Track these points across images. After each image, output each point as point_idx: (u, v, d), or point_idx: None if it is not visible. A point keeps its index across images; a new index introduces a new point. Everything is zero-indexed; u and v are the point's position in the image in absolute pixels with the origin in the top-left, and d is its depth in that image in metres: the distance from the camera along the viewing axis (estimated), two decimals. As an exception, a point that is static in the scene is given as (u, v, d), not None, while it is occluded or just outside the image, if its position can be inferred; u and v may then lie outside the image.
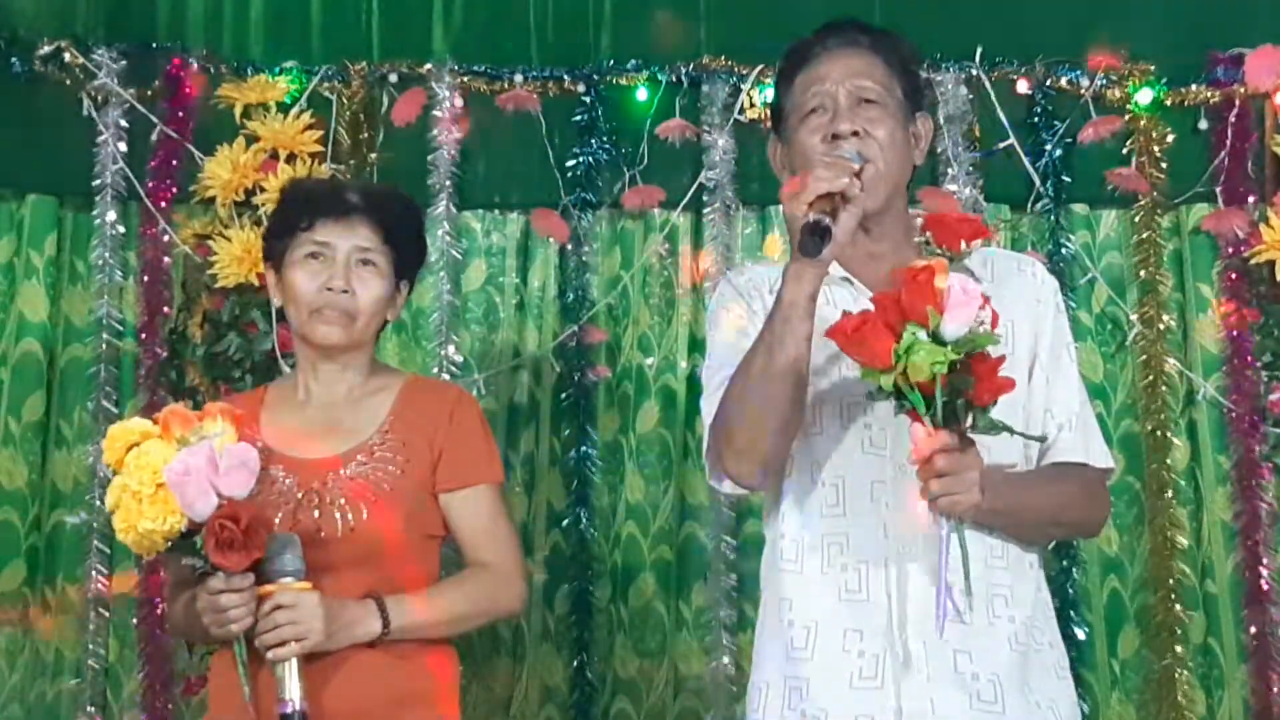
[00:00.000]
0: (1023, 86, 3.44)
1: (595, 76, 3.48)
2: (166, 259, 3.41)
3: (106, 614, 3.33)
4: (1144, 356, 3.39)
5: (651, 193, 3.44)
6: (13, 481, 3.34)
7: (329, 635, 2.21)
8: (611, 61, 3.50)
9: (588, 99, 3.47)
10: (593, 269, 3.48)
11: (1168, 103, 3.44)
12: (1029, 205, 3.43)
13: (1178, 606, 3.31)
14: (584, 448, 3.41)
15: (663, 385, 3.45)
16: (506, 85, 3.47)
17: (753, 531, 3.26)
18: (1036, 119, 3.43)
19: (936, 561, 1.87)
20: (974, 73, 3.43)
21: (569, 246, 3.46)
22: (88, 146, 3.40)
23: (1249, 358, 3.35)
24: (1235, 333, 3.36)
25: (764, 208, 3.49)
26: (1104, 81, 3.43)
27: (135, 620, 3.33)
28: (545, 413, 3.46)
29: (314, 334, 2.41)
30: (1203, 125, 3.42)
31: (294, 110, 3.42)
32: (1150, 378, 3.38)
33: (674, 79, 3.47)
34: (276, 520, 2.26)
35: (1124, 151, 3.43)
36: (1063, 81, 3.44)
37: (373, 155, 3.47)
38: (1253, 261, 3.36)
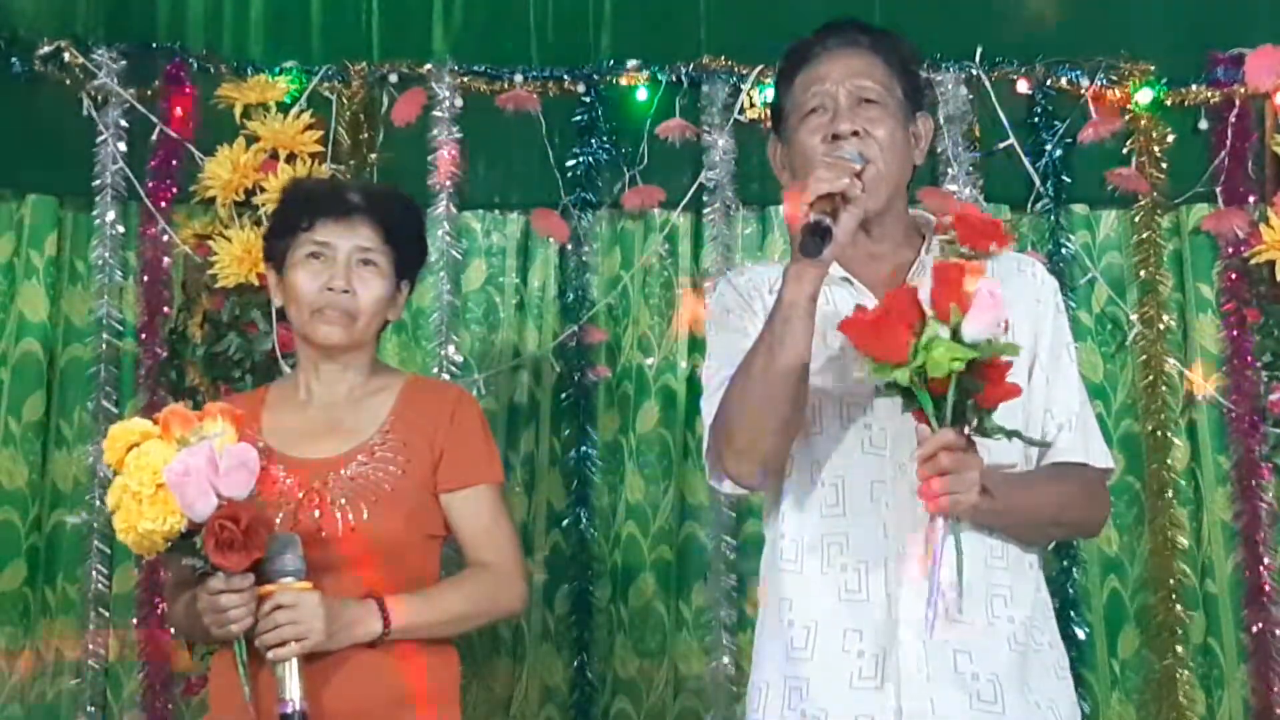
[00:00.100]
0: (1023, 86, 3.44)
1: (595, 76, 3.48)
2: (166, 259, 3.41)
3: (106, 614, 3.32)
4: (1144, 356, 3.40)
5: (651, 193, 3.44)
6: (13, 481, 3.34)
7: (329, 635, 2.21)
8: (611, 61, 3.50)
9: (588, 99, 3.47)
10: (593, 269, 3.48)
11: (1168, 103, 3.44)
12: (1029, 205, 3.43)
13: (1178, 606, 3.32)
14: (584, 448, 3.41)
15: (663, 385, 3.45)
16: (506, 85, 3.47)
17: (753, 531, 3.26)
18: (1036, 119, 3.44)
19: (929, 560, 1.86)
20: (974, 73, 3.43)
21: (569, 246, 3.46)
22: (88, 146, 3.40)
23: (1249, 358, 3.35)
24: (1235, 333, 3.36)
25: (764, 208, 3.49)
26: (1104, 81, 3.43)
27: (135, 620, 3.32)
28: (545, 413, 3.46)
29: (315, 334, 2.41)
30: (1203, 125, 3.43)
31: (294, 110, 3.42)
32: (1150, 378, 3.38)
33: (674, 79, 3.47)
34: (277, 520, 2.26)
35: (1124, 151, 3.43)
36: (1063, 81, 3.45)
37: (373, 155, 3.47)
38: (1253, 261, 3.36)
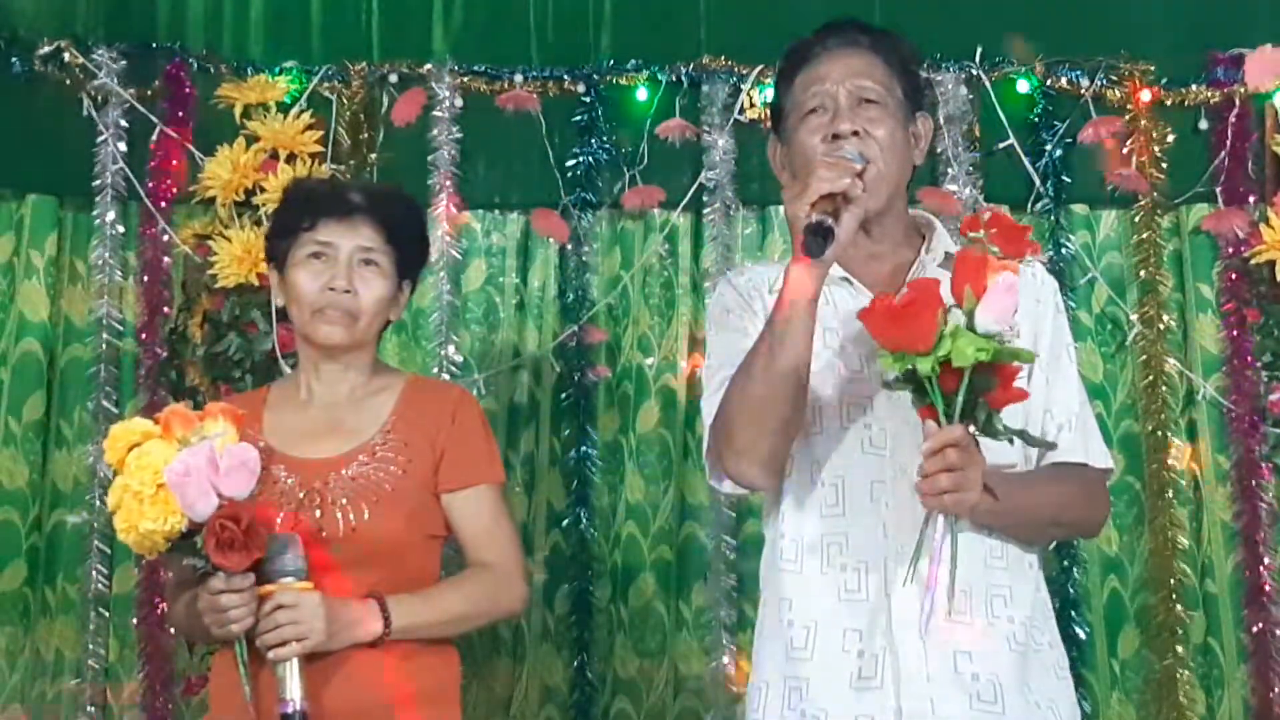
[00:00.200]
0: (1023, 86, 3.44)
1: (595, 76, 3.48)
2: (166, 259, 3.41)
3: (106, 614, 3.33)
4: (1144, 356, 3.40)
5: (651, 193, 3.44)
6: (13, 481, 3.34)
7: (330, 635, 2.21)
8: (611, 61, 3.50)
9: (588, 99, 3.47)
10: (593, 269, 3.48)
11: (1168, 103, 3.44)
12: (1029, 205, 3.43)
13: (1178, 606, 3.32)
14: (584, 448, 3.41)
15: (663, 385, 3.45)
16: (506, 85, 3.47)
17: (753, 531, 3.26)
18: (1036, 119, 3.44)
19: (928, 561, 1.86)
20: (974, 73, 3.43)
21: (569, 246, 3.46)
22: (88, 146, 3.40)
23: (1249, 358, 3.35)
24: (1235, 333, 3.36)
25: (764, 208, 3.49)
26: (1104, 81, 3.43)
27: (135, 620, 3.32)
28: (545, 413, 3.47)
29: (316, 334, 2.41)
30: (1203, 125, 3.43)
31: (294, 110, 3.42)
32: (1150, 378, 3.38)
33: (674, 79, 3.47)
34: (278, 520, 2.26)
35: (1124, 151, 3.43)
36: (1063, 81, 3.45)
37: (373, 155, 3.47)
38: (1253, 261, 3.36)
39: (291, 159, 3.38)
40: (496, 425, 3.33)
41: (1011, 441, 1.88)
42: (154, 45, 3.47)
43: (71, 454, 3.38)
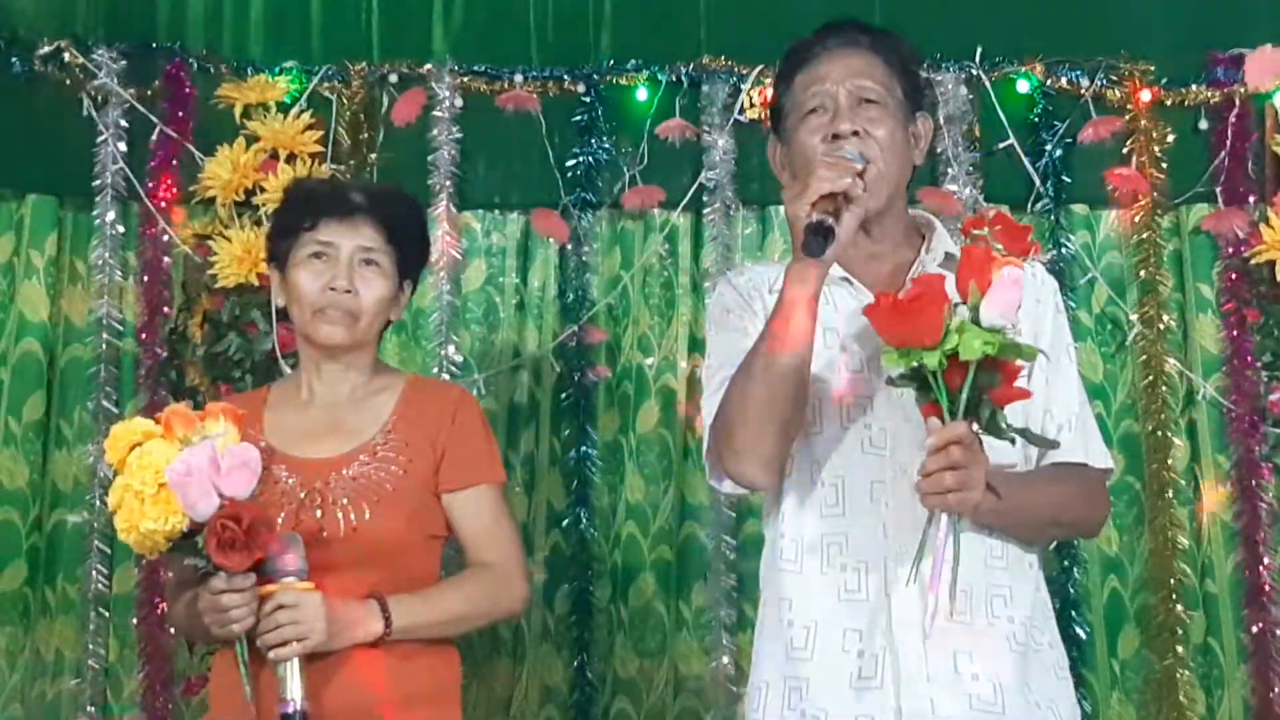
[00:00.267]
0: (1023, 86, 3.44)
1: (595, 76, 3.48)
2: (166, 259, 3.40)
3: (106, 614, 3.33)
4: (1144, 356, 3.40)
5: (651, 193, 3.44)
6: (13, 481, 3.34)
7: (331, 635, 2.21)
8: (611, 61, 3.50)
9: (588, 99, 3.47)
10: (593, 269, 3.48)
11: (1168, 103, 3.44)
12: (1029, 205, 3.43)
13: (1178, 606, 3.32)
14: (584, 448, 3.41)
15: (663, 385, 3.45)
16: (506, 85, 3.47)
17: (753, 531, 3.26)
18: (1036, 119, 3.44)
19: (931, 561, 1.86)
20: (974, 73, 3.43)
21: (569, 246, 3.46)
22: (88, 146, 3.40)
23: (1249, 358, 3.35)
24: (1235, 333, 3.36)
25: (764, 208, 3.49)
26: (1104, 81, 3.43)
27: (135, 620, 3.32)
28: (545, 413, 3.46)
29: (317, 334, 2.41)
30: (1203, 125, 3.43)
31: (294, 110, 3.42)
32: (1150, 378, 3.38)
33: (674, 79, 3.47)
34: (279, 520, 2.26)
35: (1124, 151, 3.43)
36: (1063, 81, 3.45)
37: (373, 155, 3.47)
38: (1253, 261, 3.36)
39: (291, 159, 3.38)
40: (496, 425, 3.33)
41: (1013, 441, 1.88)
42: (154, 45, 3.47)
43: (71, 454, 3.38)
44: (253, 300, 3.29)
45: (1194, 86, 3.44)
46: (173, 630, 3.21)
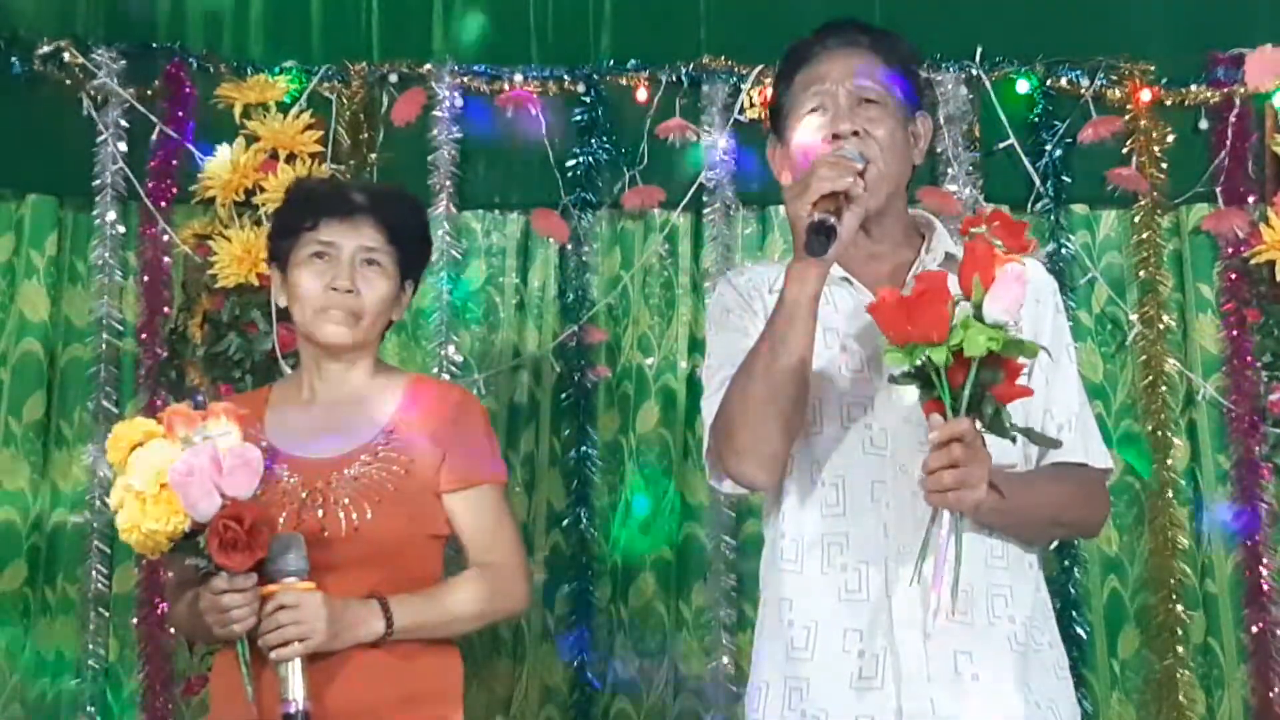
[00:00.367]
0: (1023, 86, 3.44)
1: (595, 76, 3.48)
2: (166, 259, 3.40)
3: (106, 614, 3.32)
4: (1144, 356, 3.40)
5: (651, 193, 3.44)
6: (13, 481, 3.34)
7: (332, 635, 2.21)
8: (611, 61, 3.50)
9: (588, 99, 3.47)
10: (593, 269, 3.48)
11: (1168, 103, 3.44)
12: (1029, 205, 3.43)
13: (1178, 606, 3.31)
14: (584, 448, 3.41)
15: (663, 385, 3.45)
16: (506, 85, 3.47)
17: (753, 531, 3.26)
18: (1036, 119, 3.44)
19: (933, 559, 1.86)
20: (974, 73, 3.43)
21: (569, 246, 3.46)
22: (88, 146, 3.39)
23: (1249, 358, 3.35)
24: (1235, 333, 3.36)
25: (764, 208, 3.49)
26: (1104, 81, 3.43)
27: (135, 620, 3.32)
28: (545, 413, 3.46)
29: (319, 334, 2.41)
30: (1203, 125, 3.43)
31: (294, 110, 3.42)
32: (1150, 378, 3.38)
33: (674, 79, 3.47)
34: (280, 520, 2.26)
35: (1124, 151, 3.43)
36: (1063, 81, 3.45)
37: (373, 155, 3.47)
38: (1253, 261, 3.36)
39: (291, 159, 3.37)
40: (496, 425, 3.33)
41: (1015, 439, 1.88)
42: (154, 45, 3.47)
43: (71, 454, 3.38)
44: (253, 300, 3.29)
45: (1194, 86, 3.44)
46: (173, 630, 3.21)
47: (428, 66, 3.47)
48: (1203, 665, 3.35)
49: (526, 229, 3.51)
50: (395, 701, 2.29)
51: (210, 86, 3.44)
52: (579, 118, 3.46)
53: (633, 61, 3.49)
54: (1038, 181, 3.41)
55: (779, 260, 3.09)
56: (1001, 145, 3.43)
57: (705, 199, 3.44)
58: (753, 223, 3.51)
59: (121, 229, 3.41)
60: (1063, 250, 3.41)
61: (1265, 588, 3.30)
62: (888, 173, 2.04)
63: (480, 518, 2.41)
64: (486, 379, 3.42)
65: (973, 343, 1.76)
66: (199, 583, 2.20)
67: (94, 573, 3.30)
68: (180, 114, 3.42)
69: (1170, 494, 3.35)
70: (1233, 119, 3.40)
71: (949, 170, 3.39)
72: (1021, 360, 1.81)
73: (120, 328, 3.41)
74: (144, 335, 3.38)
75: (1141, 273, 3.42)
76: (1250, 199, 3.39)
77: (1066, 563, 3.31)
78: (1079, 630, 3.30)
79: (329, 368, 2.45)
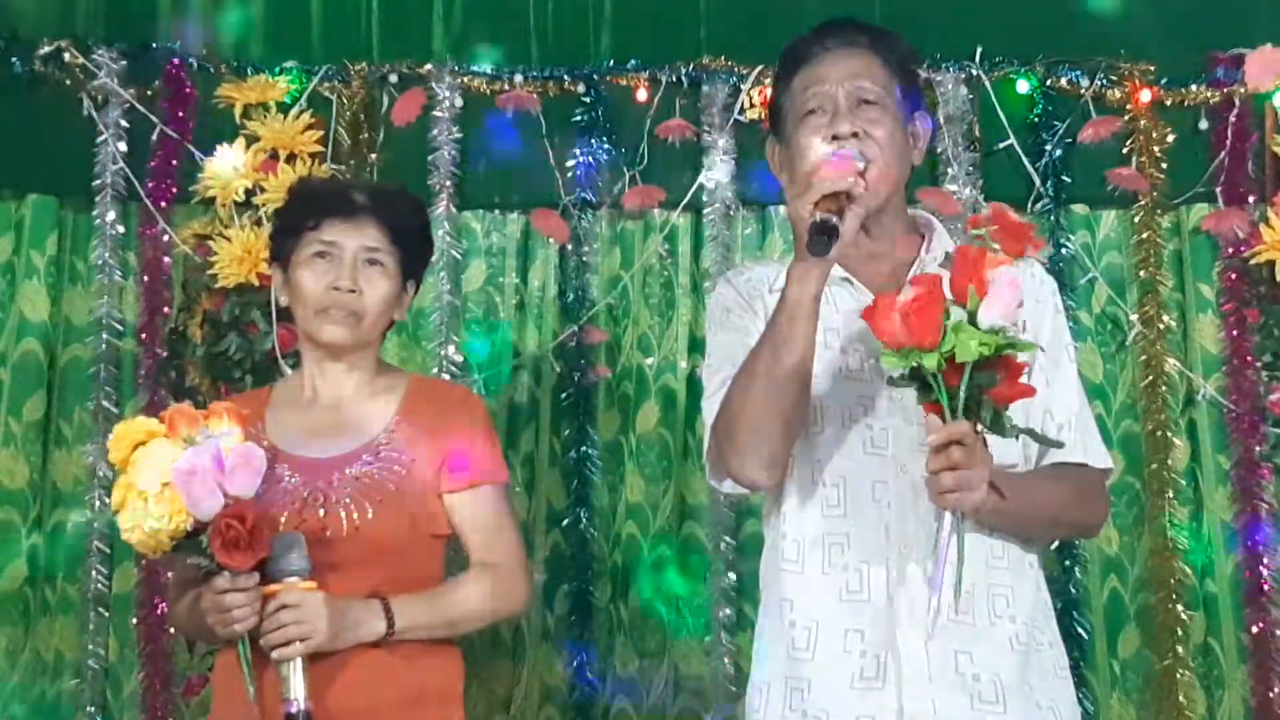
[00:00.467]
0: (1022, 86, 3.44)
1: (595, 76, 3.48)
2: (166, 259, 3.40)
3: (106, 614, 3.32)
4: (1144, 356, 3.40)
5: (651, 193, 3.44)
6: (13, 481, 3.34)
7: (334, 635, 2.21)
8: (611, 61, 3.50)
9: (588, 99, 3.47)
10: (593, 269, 3.48)
11: (1168, 103, 3.44)
12: (1029, 205, 3.43)
13: (1178, 606, 3.32)
14: (584, 448, 3.41)
15: (663, 385, 3.45)
16: (506, 85, 3.47)
17: (753, 531, 3.26)
18: (1036, 119, 3.44)
19: (932, 558, 1.86)
20: (974, 73, 3.43)
21: (569, 246, 3.46)
22: (88, 146, 3.39)
23: (1249, 358, 3.35)
24: (1235, 333, 3.37)
25: (764, 208, 3.49)
26: (1103, 82, 3.43)
27: (135, 620, 3.32)
28: (545, 413, 3.46)
29: (321, 333, 2.41)
30: (1203, 125, 3.43)
31: (294, 110, 3.42)
32: (1150, 378, 3.38)
33: (674, 79, 3.47)
34: (282, 519, 2.26)
35: (1124, 151, 3.43)
36: (1062, 82, 3.45)
37: (373, 155, 3.47)
38: (1253, 261, 3.36)
39: (292, 159, 3.37)
40: (496, 425, 3.33)
41: (1017, 438, 1.88)
42: (154, 45, 3.47)
43: (71, 454, 3.38)
44: (253, 300, 3.29)
45: (1194, 86, 3.44)
46: (174, 630, 3.21)
47: (428, 66, 3.47)
48: (1203, 665, 3.35)
49: (527, 229, 3.51)
50: (396, 701, 2.29)
51: (210, 86, 3.44)
52: (579, 118, 3.46)
53: (633, 62, 3.49)
54: (1038, 181, 3.41)
55: (779, 260, 3.08)
56: (1001, 145, 3.43)
57: (705, 199, 3.44)
58: (753, 223, 3.51)
59: (121, 229, 3.41)
60: (1063, 250, 3.41)
61: (1265, 588, 3.30)
62: (888, 173, 2.04)
63: (481, 518, 2.41)
64: (486, 379, 3.42)
65: (964, 348, 1.76)
66: (200, 582, 2.20)
67: (94, 573, 3.30)
68: (180, 114, 3.42)
69: (1170, 494, 3.35)
70: (1233, 119, 3.40)
71: (949, 170, 3.39)
72: (1022, 360, 1.81)
73: (120, 328, 3.41)
74: (144, 335, 3.38)
75: (1141, 273, 3.42)
76: (1250, 199, 3.39)
77: (1067, 563, 3.31)
78: (1079, 630, 3.30)
79: (330, 367, 2.45)
